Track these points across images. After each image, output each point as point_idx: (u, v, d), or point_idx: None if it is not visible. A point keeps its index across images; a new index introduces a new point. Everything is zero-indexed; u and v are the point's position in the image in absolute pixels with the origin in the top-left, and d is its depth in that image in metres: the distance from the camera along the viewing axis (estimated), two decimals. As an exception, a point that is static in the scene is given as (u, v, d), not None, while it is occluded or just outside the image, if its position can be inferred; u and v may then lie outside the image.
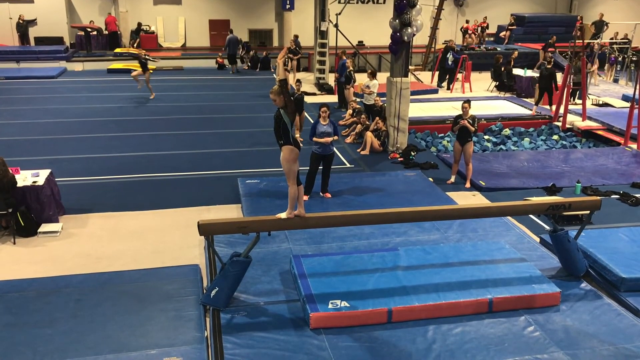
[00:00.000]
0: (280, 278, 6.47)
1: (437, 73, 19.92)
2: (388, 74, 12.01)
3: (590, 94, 16.37)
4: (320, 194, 8.98)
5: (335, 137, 8.85)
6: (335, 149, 9.40)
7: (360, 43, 24.31)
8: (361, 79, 15.96)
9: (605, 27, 22.64)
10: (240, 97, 17.35)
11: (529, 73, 18.15)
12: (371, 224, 7.06)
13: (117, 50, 23.15)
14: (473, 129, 9.46)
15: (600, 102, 16.26)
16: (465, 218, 7.77)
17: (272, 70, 21.98)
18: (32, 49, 22.61)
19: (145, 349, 5.23)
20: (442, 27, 23.79)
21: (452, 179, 10.00)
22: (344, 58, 16.42)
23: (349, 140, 12.54)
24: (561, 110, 14.27)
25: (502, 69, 18.17)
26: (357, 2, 26.19)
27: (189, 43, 25.66)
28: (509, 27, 25.51)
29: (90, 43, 23.51)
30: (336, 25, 18.85)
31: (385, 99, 12.21)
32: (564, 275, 6.65)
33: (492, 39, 26.83)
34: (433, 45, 22.40)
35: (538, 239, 7.71)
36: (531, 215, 8.39)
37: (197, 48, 25.31)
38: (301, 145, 6.35)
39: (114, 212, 8.51)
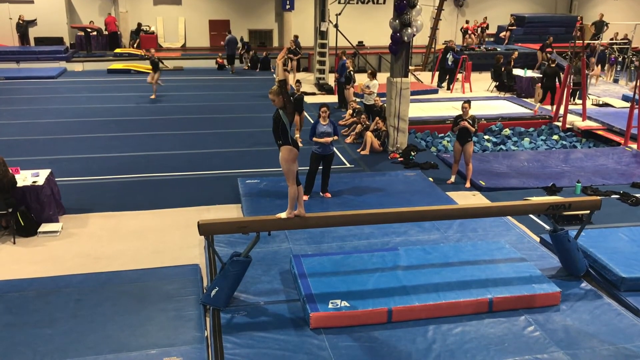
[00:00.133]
0: (280, 278, 6.47)
1: (437, 73, 19.91)
2: (388, 74, 12.02)
3: (590, 94, 16.37)
4: (320, 193, 8.98)
5: (335, 137, 8.85)
6: (335, 149, 9.40)
7: (360, 43, 24.31)
8: (361, 79, 15.97)
9: (605, 28, 22.62)
10: (240, 97, 17.35)
11: (529, 73, 18.17)
12: (371, 223, 7.06)
13: (117, 50, 23.15)
14: (473, 129, 9.47)
15: (600, 102, 16.26)
16: (465, 218, 7.77)
17: (272, 70, 21.96)
18: (32, 49, 22.58)
19: (145, 349, 5.23)
20: (442, 27, 23.80)
21: (452, 179, 10.00)
22: (344, 58, 16.43)
23: (349, 140, 12.54)
24: (561, 111, 14.27)
25: (502, 69, 18.16)
26: (357, 3, 26.19)
27: (189, 43, 25.66)
28: (509, 28, 25.51)
29: (90, 43, 23.50)
30: (336, 26, 18.85)
31: (385, 99, 12.21)
32: (564, 275, 6.65)
33: (492, 39, 26.86)
34: (433, 46, 22.41)
35: (538, 239, 7.71)
36: (531, 215, 8.38)
37: (197, 48, 25.31)
38: (300, 145, 6.34)
39: (114, 212, 8.51)
